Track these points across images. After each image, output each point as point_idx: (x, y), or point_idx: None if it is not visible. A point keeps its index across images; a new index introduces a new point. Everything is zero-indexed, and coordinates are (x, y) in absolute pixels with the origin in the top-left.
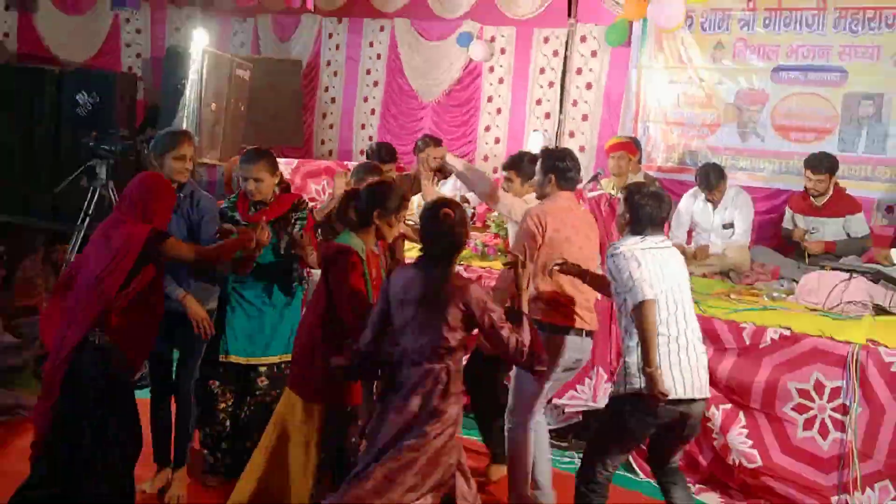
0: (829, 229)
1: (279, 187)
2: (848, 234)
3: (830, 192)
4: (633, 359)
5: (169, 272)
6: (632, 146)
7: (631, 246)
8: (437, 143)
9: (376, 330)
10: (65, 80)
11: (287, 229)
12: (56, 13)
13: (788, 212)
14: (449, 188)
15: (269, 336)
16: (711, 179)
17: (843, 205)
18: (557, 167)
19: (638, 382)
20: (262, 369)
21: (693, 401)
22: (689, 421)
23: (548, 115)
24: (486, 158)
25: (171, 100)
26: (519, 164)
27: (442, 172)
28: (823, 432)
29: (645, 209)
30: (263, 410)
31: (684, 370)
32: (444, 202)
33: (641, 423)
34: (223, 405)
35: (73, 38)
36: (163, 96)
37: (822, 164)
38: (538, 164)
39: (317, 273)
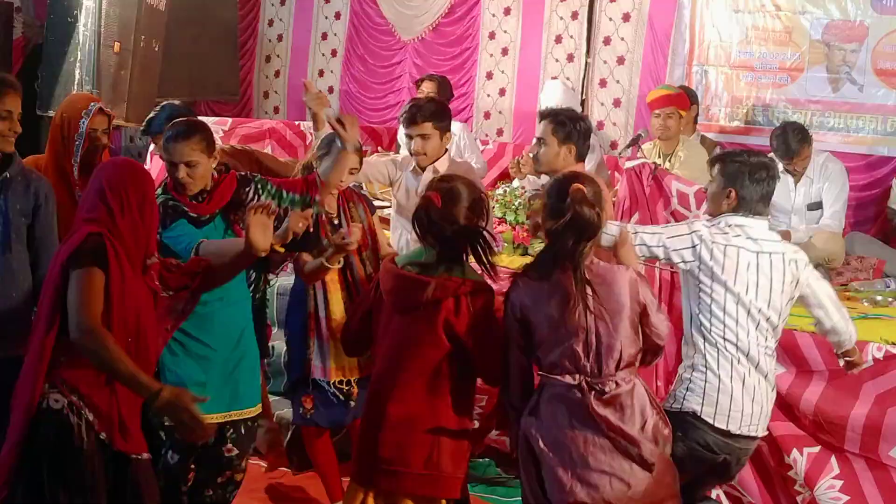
0: None
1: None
2: None
3: None
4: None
5: None
6: (684, 99)
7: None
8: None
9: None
10: None
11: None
12: None
13: None
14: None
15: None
16: (791, 143)
17: None
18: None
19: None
20: (229, 432)
21: (754, 438)
22: (742, 460)
23: (571, 58)
24: (486, 116)
25: (59, 38)
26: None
27: None
28: None
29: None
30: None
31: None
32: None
33: (693, 452)
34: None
35: None
36: (48, 32)
37: None
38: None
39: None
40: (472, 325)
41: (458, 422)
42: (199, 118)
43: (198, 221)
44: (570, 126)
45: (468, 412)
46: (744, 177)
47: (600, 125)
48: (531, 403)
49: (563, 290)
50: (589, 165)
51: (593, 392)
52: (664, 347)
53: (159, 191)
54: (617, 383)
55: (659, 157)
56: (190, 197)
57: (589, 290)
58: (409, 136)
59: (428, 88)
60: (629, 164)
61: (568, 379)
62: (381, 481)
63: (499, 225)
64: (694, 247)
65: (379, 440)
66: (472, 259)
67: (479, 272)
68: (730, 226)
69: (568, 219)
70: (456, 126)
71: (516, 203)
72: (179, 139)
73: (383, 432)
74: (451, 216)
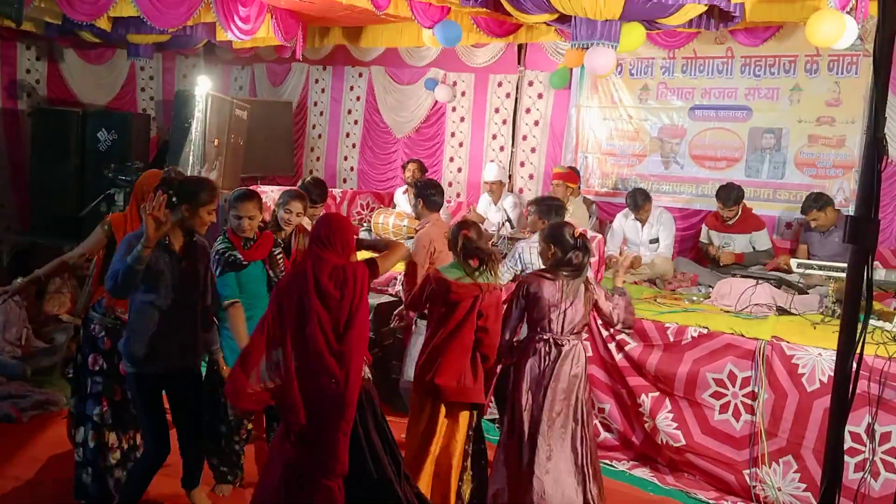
0: (739, 243)
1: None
2: (753, 248)
3: (739, 213)
4: None
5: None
6: (572, 176)
7: None
8: (420, 164)
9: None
10: (88, 121)
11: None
12: (80, 62)
13: (704, 229)
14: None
15: None
16: (638, 201)
17: (749, 223)
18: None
19: None
20: None
21: None
22: None
23: (502, 148)
24: (450, 184)
25: (180, 136)
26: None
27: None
28: (736, 415)
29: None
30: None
31: None
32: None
33: None
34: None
35: (95, 84)
36: (172, 133)
37: (731, 197)
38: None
39: None
40: (491, 310)
41: (476, 364)
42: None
43: (242, 265)
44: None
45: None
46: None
47: (521, 191)
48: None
49: (556, 285)
50: (513, 215)
51: (556, 344)
52: (633, 321)
53: (220, 239)
54: (569, 341)
55: None
56: (244, 240)
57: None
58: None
59: (412, 167)
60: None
61: (543, 335)
62: (437, 395)
63: None
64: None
65: (436, 372)
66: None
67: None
68: None
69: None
70: None
71: None
72: (244, 200)
73: (438, 369)
74: (482, 245)
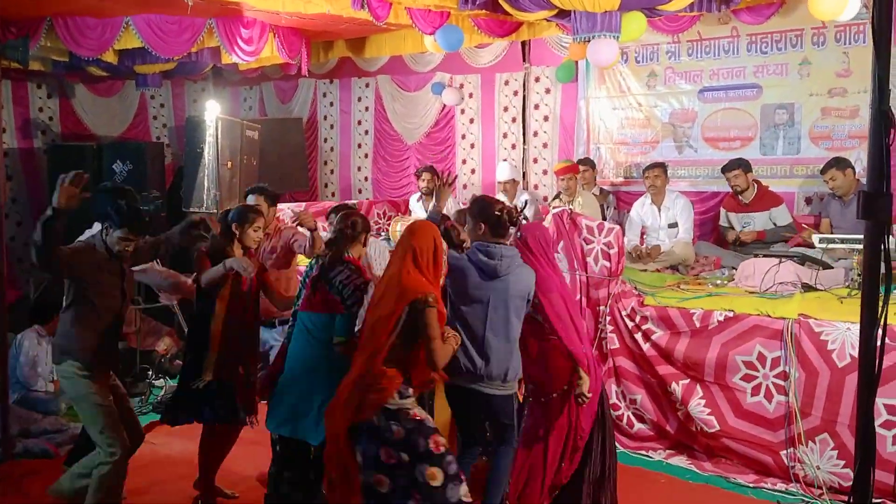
0: (758, 221)
1: None
2: (774, 224)
3: (755, 191)
4: None
5: None
6: (576, 167)
7: None
8: (434, 172)
9: None
10: (103, 153)
11: None
12: (91, 96)
13: (723, 211)
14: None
15: None
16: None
17: (766, 200)
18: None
19: None
20: None
21: None
22: None
23: (514, 146)
24: (465, 187)
25: (193, 162)
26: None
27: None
28: (768, 396)
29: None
30: None
31: None
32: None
33: None
34: None
35: (107, 117)
36: (186, 159)
37: (730, 164)
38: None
39: None
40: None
41: None
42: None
43: None
44: None
45: None
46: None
47: (535, 187)
48: None
49: None
50: (529, 212)
51: None
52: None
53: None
54: None
55: (569, 205)
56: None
57: None
58: None
59: (427, 176)
60: (554, 210)
61: None
62: None
63: None
64: None
65: None
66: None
67: None
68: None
69: None
70: None
71: None
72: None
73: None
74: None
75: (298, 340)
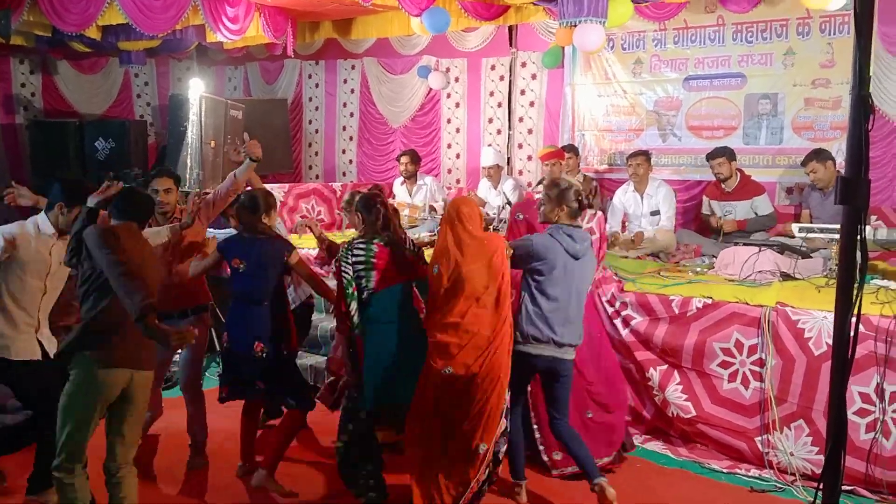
0: (740, 210)
1: None
2: (756, 213)
3: (738, 179)
4: None
5: None
6: (561, 153)
7: None
8: (412, 155)
9: None
10: (86, 130)
11: None
12: (74, 73)
13: (705, 199)
14: (420, 197)
15: None
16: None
17: (749, 189)
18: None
19: None
20: None
21: None
22: None
23: (499, 132)
24: (449, 171)
25: (177, 140)
26: None
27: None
28: (745, 383)
29: None
30: None
31: None
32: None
33: None
34: None
35: (90, 94)
36: (169, 138)
37: (715, 151)
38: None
39: None
40: None
41: None
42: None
43: None
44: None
45: None
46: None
47: (520, 173)
48: None
49: None
50: (513, 198)
51: None
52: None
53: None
54: None
55: None
56: None
57: None
58: None
59: (405, 160)
60: (537, 196)
61: None
62: None
63: None
64: None
65: None
66: None
67: None
68: None
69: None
70: (429, 178)
71: None
72: None
73: None
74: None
75: (381, 319)
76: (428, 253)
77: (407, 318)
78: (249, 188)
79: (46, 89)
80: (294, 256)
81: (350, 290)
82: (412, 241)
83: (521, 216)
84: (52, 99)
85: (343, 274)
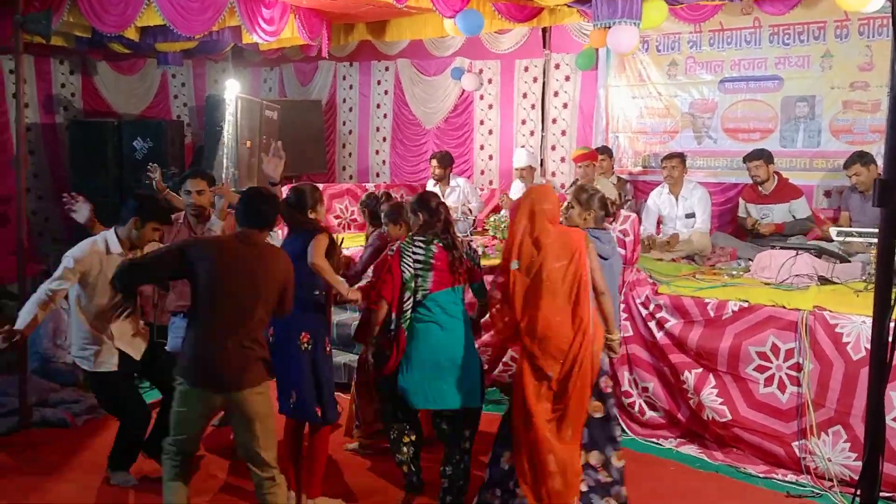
0: (777, 214)
1: None
2: (793, 217)
3: (775, 182)
4: None
5: None
6: (595, 155)
7: None
8: (444, 158)
9: None
10: (124, 130)
11: None
12: (113, 74)
13: (742, 202)
14: (453, 199)
15: None
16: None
17: (786, 192)
18: None
19: None
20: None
21: None
22: None
23: (532, 133)
24: (482, 172)
25: (213, 141)
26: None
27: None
28: (782, 388)
29: None
30: None
31: None
32: None
33: None
34: None
35: (128, 94)
36: (206, 138)
37: (752, 154)
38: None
39: None
40: None
41: None
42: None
43: None
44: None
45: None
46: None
47: (553, 174)
48: None
49: None
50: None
51: None
52: None
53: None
54: None
55: None
56: None
57: None
58: None
59: (434, 163)
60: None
61: None
62: None
63: (492, 240)
64: None
65: None
66: None
67: None
68: None
69: None
70: (461, 180)
71: (502, 226)
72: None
73: None
74: None
75: (435, 321)
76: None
77: (460, 322)
78: (294, 184)
79: (86, 89)
80: (321, 238)
81: (412, 285)
82: (470, 244)
83: None
84: (91, 99)
85: (404, 268)
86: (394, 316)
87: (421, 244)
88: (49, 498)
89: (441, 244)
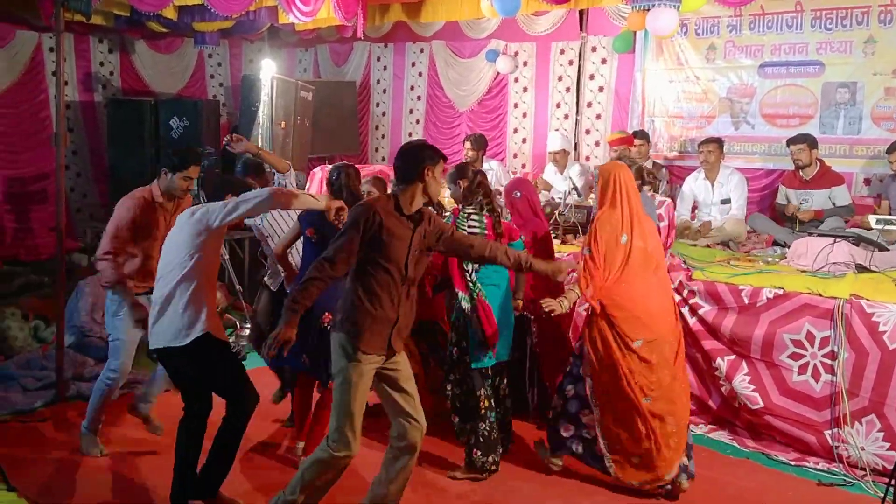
0: (817, 200)
1: None
2: (833, 204)
3: (817, 168)
4: None
5: None
6: (630, 139)
7: None
8: (478, 140)
9: None
10: (160, 109)
11: None
12: (150, 53)
13: (781, 188)
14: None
15: None
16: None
17: (827, 178)
18: None
19: None
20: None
21: None
22: None
23: (567, 116)
24: (515, 156)
25: (248, 120)
26: None
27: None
28: (816, 376)
29: None
30: None
31: None
32: None
33: None
34: None
35: (166, 73)
36: (241, 118)
37: (797, 137)
38: None
39: None
40: None
41: None
42: None
43: None
44: None
45: None
46: None
47: (587, 158)
48: None
49: None
50: (579, 184)
51: None
52: None
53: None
54: None
55: None
56: None
57: None
58: None
59: (467, 145)
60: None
61: None
62: None
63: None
64: None
65: None
66: None
67: None
68: None
69: None
70: (495, 163)
71: None
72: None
73: None
74: None
75: (495, 283)
76: None
77: (505, 281)
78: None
79: (124, 68)
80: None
81: None
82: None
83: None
84: (129, 78)
85: None
86: (457, 290)
87: (475, 216)
88: (82, 471)
89: (487, 212)
